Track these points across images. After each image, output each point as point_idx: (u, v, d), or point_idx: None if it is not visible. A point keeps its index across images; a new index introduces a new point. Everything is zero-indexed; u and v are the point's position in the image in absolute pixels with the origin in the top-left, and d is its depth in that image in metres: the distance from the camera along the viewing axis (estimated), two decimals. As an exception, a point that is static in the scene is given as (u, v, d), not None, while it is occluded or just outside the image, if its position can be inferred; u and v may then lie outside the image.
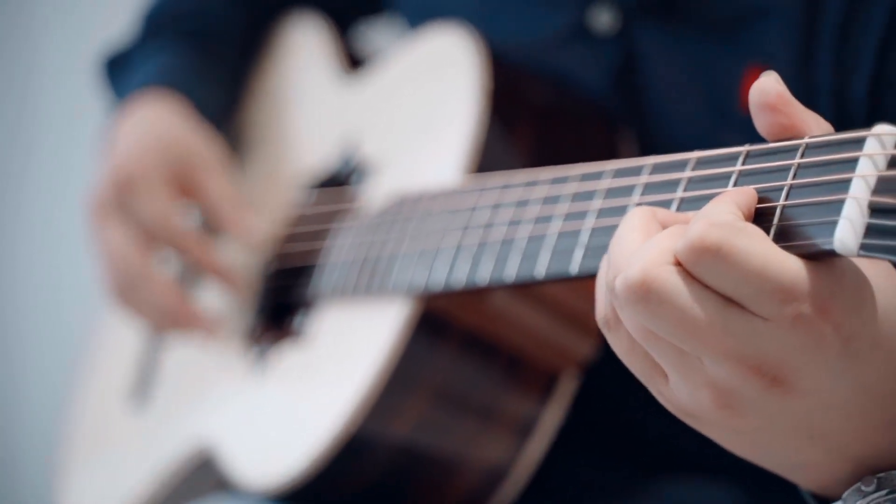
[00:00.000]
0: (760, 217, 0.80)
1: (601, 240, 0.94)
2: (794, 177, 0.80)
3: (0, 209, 2.88)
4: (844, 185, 0.76)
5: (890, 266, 0.83)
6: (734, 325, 0.78)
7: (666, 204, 0.87)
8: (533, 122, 1.30)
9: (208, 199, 1.48)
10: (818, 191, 0.78)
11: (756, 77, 0.83)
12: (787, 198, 0.79)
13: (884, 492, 0.84)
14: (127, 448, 1.60)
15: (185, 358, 1.55)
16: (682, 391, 0.82)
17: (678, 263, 0.78)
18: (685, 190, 0.87)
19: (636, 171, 0.92)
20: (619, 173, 0.94)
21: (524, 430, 1.25)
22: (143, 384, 1.61)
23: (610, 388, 1.24)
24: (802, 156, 0.80)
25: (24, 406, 2.91)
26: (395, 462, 1.25)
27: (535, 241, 1.02)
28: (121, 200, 1.45)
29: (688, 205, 0.86)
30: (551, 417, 1.25)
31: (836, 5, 1.17)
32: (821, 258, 0.77)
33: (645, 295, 0.78)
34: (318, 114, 1.55)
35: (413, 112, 1.37)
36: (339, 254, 1.34)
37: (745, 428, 0.83)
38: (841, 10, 1.17)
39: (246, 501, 1.34)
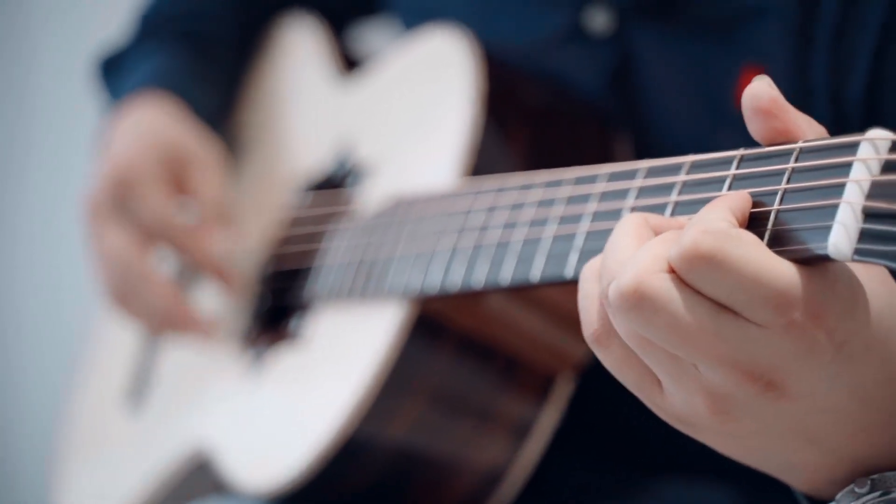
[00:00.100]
0: (755, 221, 0.80)
1: (596, 243, 0.94)
2: (789, 181, 0.79)
3: (-1, 209, 2.88)
4: (838, 189, 0.76)
5: (884, 270, 0.83)
6: (727, 331, 0.78)
7: (660, 208, 0.87)
8: (528, 123, 1.29)
9: (201, 200, 1.47)
10: (812, 195, 0.78)
11: (752, 77, 0.83)
12: (781, 202, 0.79)
13: (877, 493, 0.84)
14: (124, 449, 1.60)
15: (181, 360, 1.55)
16: (676, 398, 0.82)
17: (671, 270, 0.78)
18: (680, 194, 0.87)
19: (630, 175, 0.92)
20: (614, 177, 0.94)
21: (521, 432, 1.25)
22: (140, 385, 1.61)
23: (606, 390, 1.24)
24: (797, 160, 0.80)
25: (22, 406, 2.91)
26: (392, 464, 1.25)
27: (531, 244, 1.01)
28: (118, 201, 1.45)
29: (682, 209, 0.86)
30: (548, 419, 1.25)
31: (833, 6, 1.17)
32: (815, 263, 0.77)
33: (638, 302, 0.78)
34: (314, 115, 1.54)
35: (408, 114, 1.36)
36: (335, 256, 1.34)
37: (740, 432, 0.83)
38: (837, 10, 1.17)
39: (242, 504, 1.34)
